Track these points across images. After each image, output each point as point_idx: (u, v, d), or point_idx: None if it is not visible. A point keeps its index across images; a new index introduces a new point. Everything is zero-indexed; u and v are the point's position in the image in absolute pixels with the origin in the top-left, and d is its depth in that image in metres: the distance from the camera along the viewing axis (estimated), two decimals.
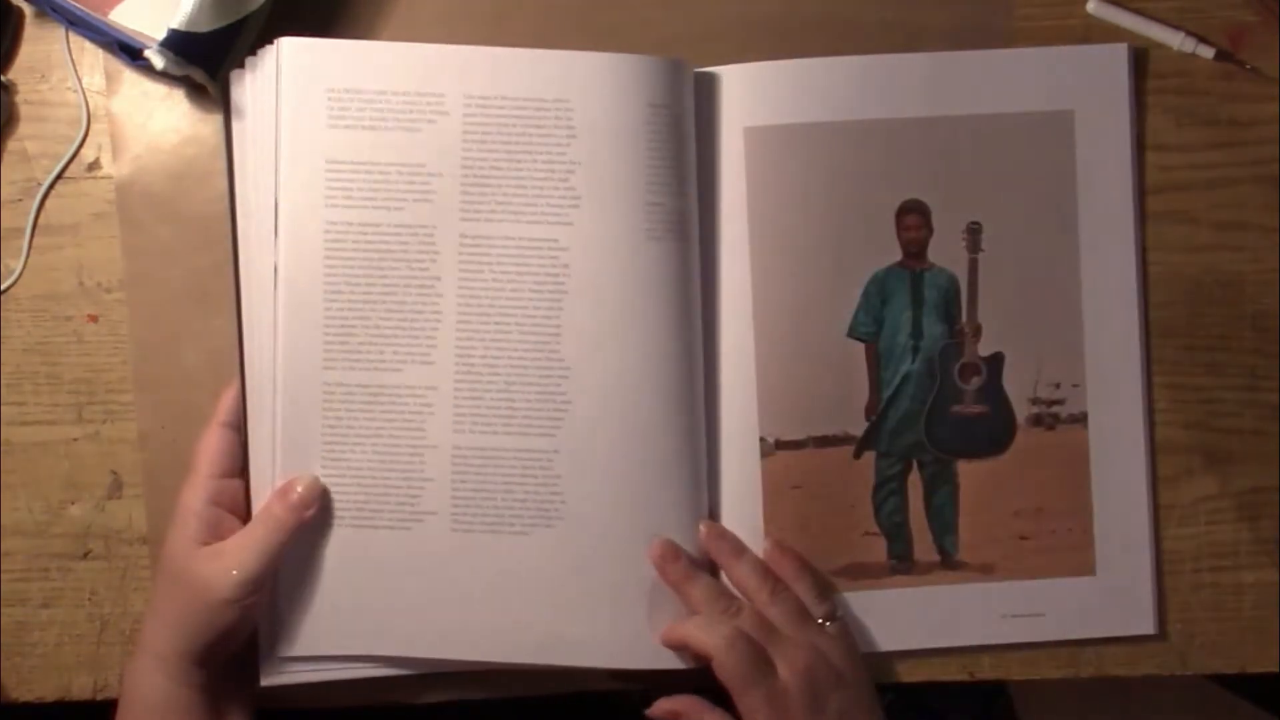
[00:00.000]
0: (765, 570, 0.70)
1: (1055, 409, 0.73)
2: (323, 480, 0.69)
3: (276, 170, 0.69)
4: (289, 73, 0.69)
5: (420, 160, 0.69)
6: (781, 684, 0.66)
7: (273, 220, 0.69)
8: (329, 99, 0.69)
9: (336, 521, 0.70)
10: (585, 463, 0.70)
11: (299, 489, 0.68)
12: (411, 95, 0.69)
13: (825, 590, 0.71)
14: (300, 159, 0.69)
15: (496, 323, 0.69)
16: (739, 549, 0.71)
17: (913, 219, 0.73)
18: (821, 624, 0.69)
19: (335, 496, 0.70)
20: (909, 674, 0.74)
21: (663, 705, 0.69)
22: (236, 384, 0.71)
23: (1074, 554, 0.73)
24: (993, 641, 0.74)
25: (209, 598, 0.65)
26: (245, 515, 0.70)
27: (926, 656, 0.74)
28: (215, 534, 0.67)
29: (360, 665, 0.71)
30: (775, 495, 0.72)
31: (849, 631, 0.71)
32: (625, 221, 0.69)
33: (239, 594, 0.65)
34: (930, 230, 0.73)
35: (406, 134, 0.69)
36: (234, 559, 0.66)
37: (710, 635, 0.67)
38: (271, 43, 0.69)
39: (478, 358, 0.69)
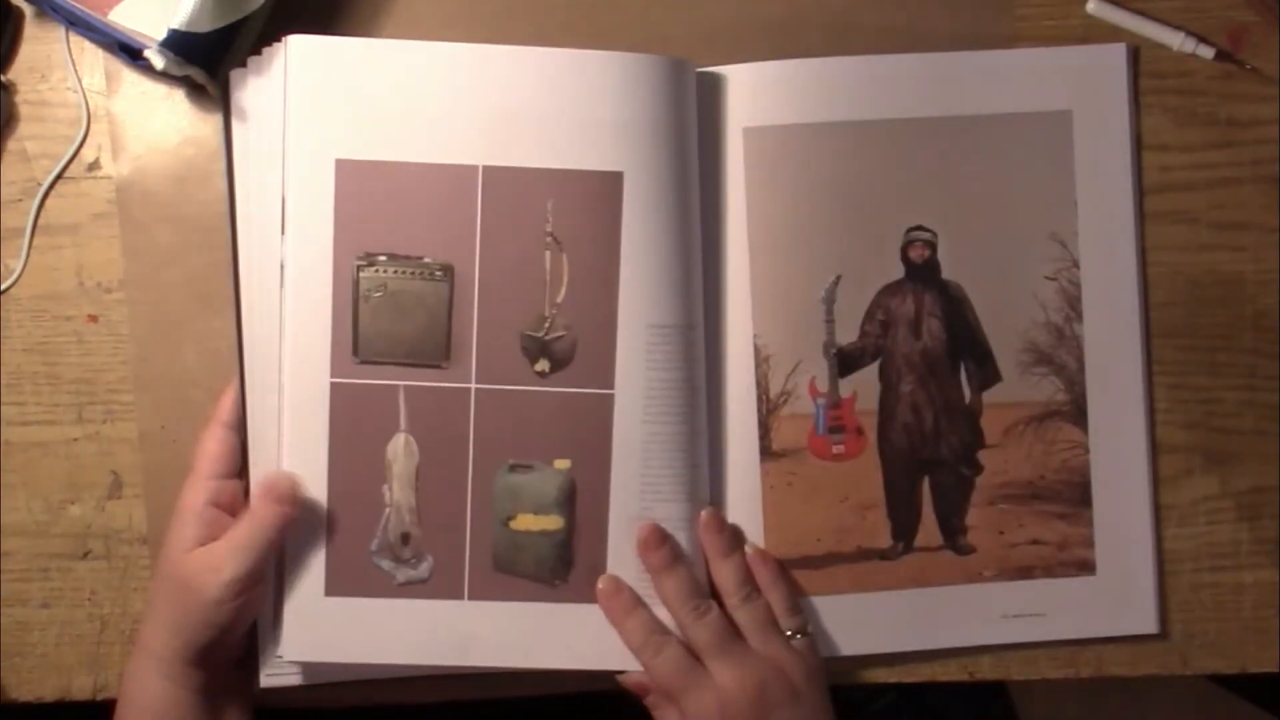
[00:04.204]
0: (746, 574, 0.70)
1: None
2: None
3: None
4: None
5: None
6: (727, 691, 0.66)
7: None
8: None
9: None
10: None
11: (282, 486, 0.68)
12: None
13: (797, 604, 0.71)
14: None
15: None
16: (730, 547, 0.70)
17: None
18: (789, 637, 0.69)
19: None
20: (909, 674, 0.74)
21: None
22: (236, 384, 0.70)
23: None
24: (993, 642, 0.74)
25: (202, 597, 0.65)
26: None
27: (927, 657, 0.74)
28: (213, 534, 0.67)
29: (361, 669, 0.71)
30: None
31: (815, 650, 0.70)
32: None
33: (228, 594, 0.65)
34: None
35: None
36: (221, 559, 0.66)
37: (636, 637, 0.68)
38: (272, 43, 0.69)
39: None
